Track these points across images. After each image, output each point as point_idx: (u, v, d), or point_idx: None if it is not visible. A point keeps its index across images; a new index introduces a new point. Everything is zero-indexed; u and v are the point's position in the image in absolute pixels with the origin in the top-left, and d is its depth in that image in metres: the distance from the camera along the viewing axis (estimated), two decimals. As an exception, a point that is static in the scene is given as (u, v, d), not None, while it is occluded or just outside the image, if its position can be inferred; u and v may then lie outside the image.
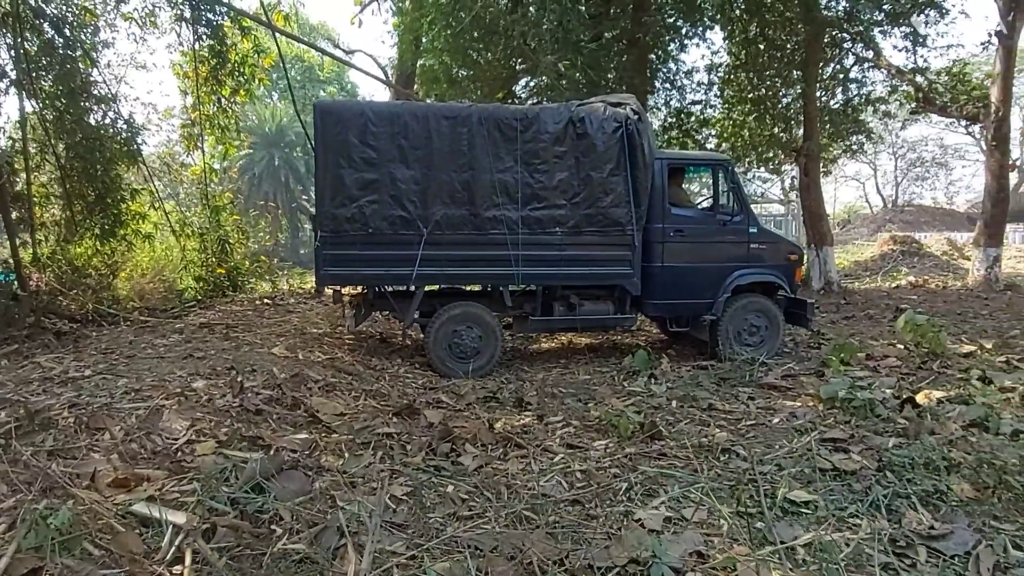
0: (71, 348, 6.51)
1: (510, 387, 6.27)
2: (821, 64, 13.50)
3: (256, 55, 12.51)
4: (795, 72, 13.57)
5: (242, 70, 12.41)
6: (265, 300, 10.15)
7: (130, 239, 12.26)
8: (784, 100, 14.08)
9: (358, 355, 6.80)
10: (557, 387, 6.26)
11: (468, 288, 7.45)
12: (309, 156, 39.03)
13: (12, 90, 10.56)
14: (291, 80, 34.59)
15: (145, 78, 37.29)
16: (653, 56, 12.64)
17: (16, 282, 9.56)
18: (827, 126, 14.08)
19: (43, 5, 11.11)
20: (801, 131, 13.78)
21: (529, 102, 13.10)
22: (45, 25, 11.33)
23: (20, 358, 5.88)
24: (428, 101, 12.04)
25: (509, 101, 12.56)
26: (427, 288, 6.83)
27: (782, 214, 28.47)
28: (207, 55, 12.17)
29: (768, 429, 4.77)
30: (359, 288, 7.11)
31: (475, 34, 10.93)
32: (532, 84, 13.03)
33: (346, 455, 4.19)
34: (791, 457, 4.09)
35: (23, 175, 10.76)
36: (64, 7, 11.32)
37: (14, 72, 10.38)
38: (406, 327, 7.06)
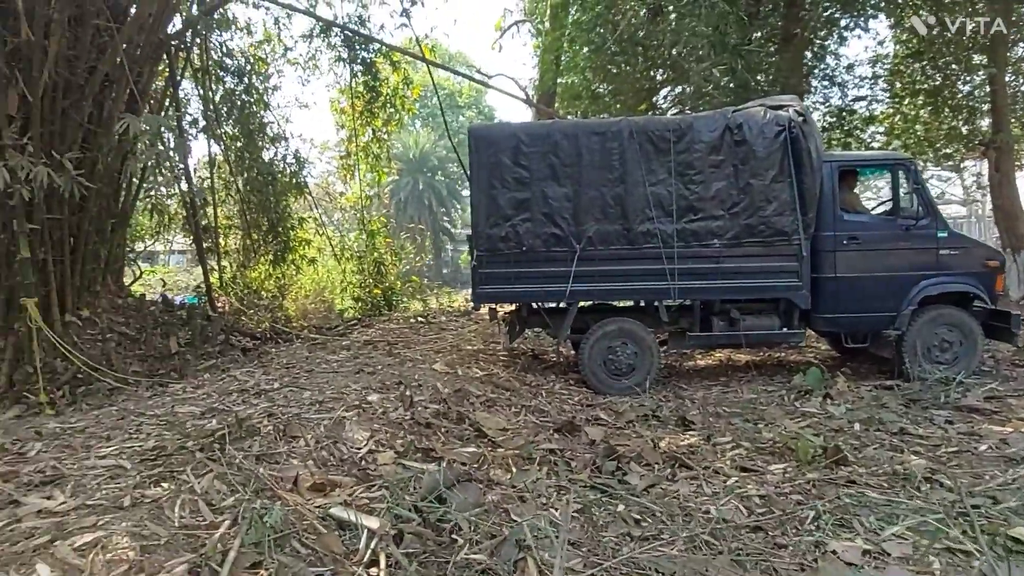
0: (256, 363, 7.13)
1: (670, 405, 6.11)
2: (1010, 44, 12.14)
3: (405, 87, 13.22)
4: (978, 57, 12.28)
5: (393, 102, 13.15)
6: (419, 319, 10.60)
7: (297, 263, 13.28)
8: (964, 89, 12.76)
9: (513, 371, 6.91)
10: (720, 406, 6.02)
11: (622, 304, 7.37)
12: (450, 180, 40.83)
13: (202, 135, 11.85)
14: (434, 107, 36.31)
15: (306, 116, 40.62)
16: (808, 53, 11.96)
17: (207, 304, 10.65)
18: (1020, 114, 12.62)
19: (226, 59, 12.38)
20: (987, 122, 12.45)
21: (670, 112, 12.88)
22: (227, 76, 12.61)
23: (218, 372, 6.51)
24: (570, 118, 12.16)
25: (651, 113, 12.41)
26: (580, 304, 6.84)
27: (963, 216, 25.87)
28: (362, 91, 13.02)
29: (974, 457, 4.30)
30: (513, 305, 7.24)
31: (615, 48, 10.91)
32: (675, 93, 12.78)
33: (513, 470, 4.25)
34: (1007, 489, 3.66)
35: (211, 209, 11.99)
36: (243, 59, 12.54)
37: (203, 119, 11.64)
38: (559, 344, 7.09)
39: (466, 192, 40.49)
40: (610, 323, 6.73)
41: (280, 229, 12.80)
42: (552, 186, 6.50)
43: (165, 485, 3.07)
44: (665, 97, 13.97)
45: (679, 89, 12.88)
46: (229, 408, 4.60)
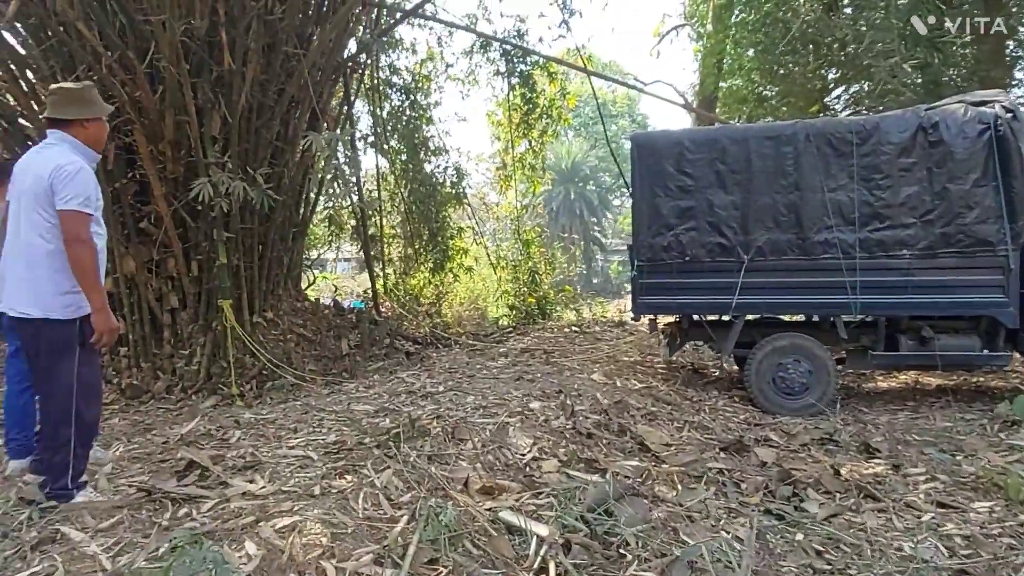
0: (420, 366, 7.43)
1: (849, 429, 5.62)
2: None
3: (561, 97, 13.33)
4: None
5: (549, 112, 13.30)
6: (573, 328, 10.59)
7: (455, 271, 13.78)
8: None
9: (673, 385, 6.69)
10: (909, 433, 5.45)
11: (793, 318, 6.92)
12: (602, 189, 40.76)
13: (370, 149, 12.66)
14: (586, 117, 36.48)
15: (463, 129, 42.39)
16: (1011, 43, 10.64)
17: (373, 309, 11.31)
18: None
19: (393, 77, 13.14)
20: None
21: (844, 113, 11.99)
22: (393, 94, 13.38)
23: (386, 373, 6.86)
24: (734, 123, 11.67)
25: (823, 114, 11.62)
26: (748, 318, 6.49)
27: None
28: (519, 103, 13.29)
29: None
30: (674, 317, 7.02)
31: (783, 48, 10.33)
32: (851, 93, 11.85)
33: (679, 487, 4.08)
34: None
35: (377, 219, 12.75)
36: (408, 77, 13.26)
37: (371, 135, 12.44)
38: (723, 358, 6.78)
39: (617, 202, 40.26)
40: (781, 338, 6.32)
41: (440, 238, 13.36)
42: (718, 194, 6.24)
43: (348, 478, 3.24)
44: (838, 97, 13.05)
45: (855, 88, 11.99)
46: (399, 408, 4.81)
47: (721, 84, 12.41)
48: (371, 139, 13.04)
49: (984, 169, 5.65)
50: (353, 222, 12.04)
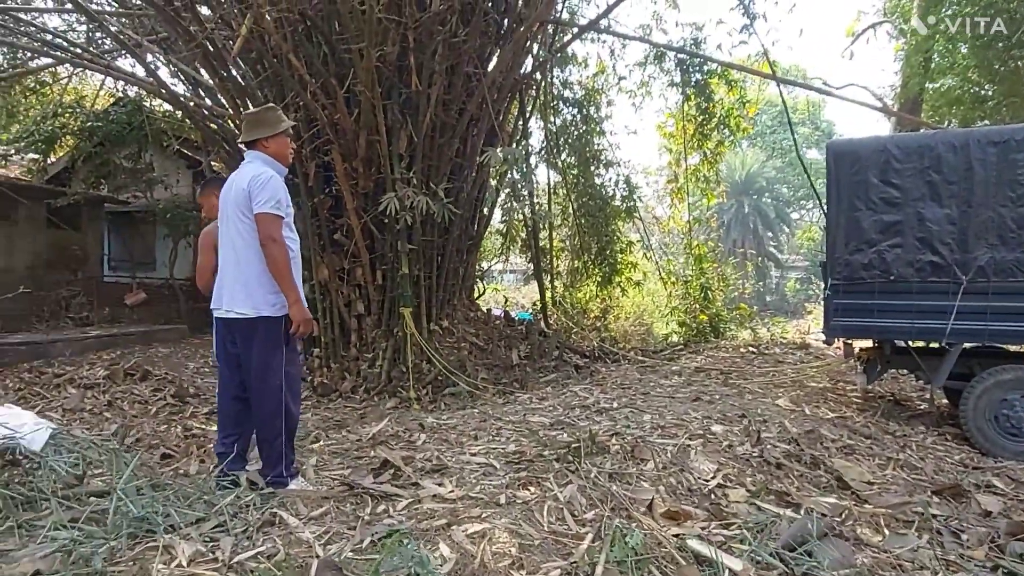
0: (590, 380, 7.36)
1: (1097, 481, 4.78)
2: None
3: (740, 106, 12.75)
4: None
5: (727, 122, 12.77)
6: (750, 348, 10.02)
7: (624, 286, 13.60)
8: None
9: (871, 416, 6.06)
10: None
11: (1021, 348, 6.02)
12: (779, 202, 38.49)
13: (543, 163, 12.86)
14: (763, 126, 34.70)
15: (631, 141, 41.89)
16: None
17: (542, 320, 11.43)
18: None
19: (565, 92, 13.27)
20: None
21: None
22: (565, 108, 13.51)
23: (558, 386, 6.86)
24: (947, 128, 10.48)
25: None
26: (965, 346, 5.73)
27: None
28: (694, 113, 12.89)
29: None
30: (872, 342, 6.37)
31: (1008, 42, 9.10)
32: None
33: (885, 531, 3.66)
34: None
35: (547, 232, 12.91)
36: (580, 91, 13.33)
37: (543, 149, 12.63)
38: (933, 390, 6.03)
39: (796, 215, 37.88)
40: (1006, 371, 5.51)
41: (608, 252, 13.25)
42: (931, 207, 5.58)
43: (532, 489, 3.23)
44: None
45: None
46: (575, 422, 4.76)
47: (928, 85, 11.18)
48: (543, 153, 13.27)
49: None
50: (524, 235, 12.27)
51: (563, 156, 13.22)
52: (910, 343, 5.99)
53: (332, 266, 8.71)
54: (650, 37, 12.96)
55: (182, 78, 10.52)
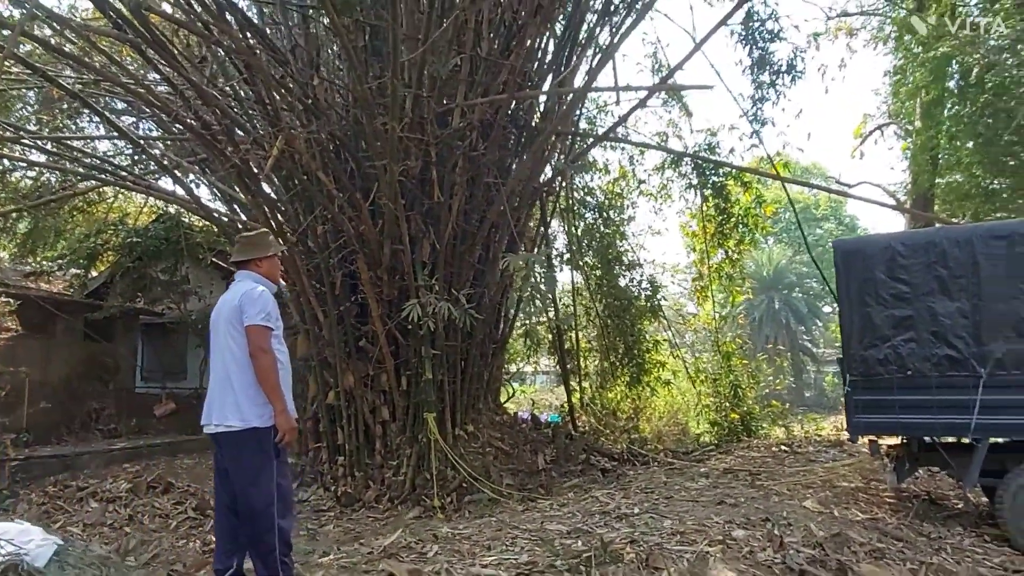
0: (616, 484, 7.24)
1: None
2: None
3: (757, 206, 13.02)
4: None
5: (745, 221, 13.01)
6: (782, 447, 9.77)
7: (652, 385, 13.50)
8: None
9: (904, 517, 5.84)
10: None
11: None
12: (809, 296, 38.22)
13: (566, 266, 13.16)
14: (788, 222, 34.99)
15: (659, 241, 42.56)
16: None
17: (570, 423, 11.35)
18: None
19: (587, 197, 13.75)
20: None
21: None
22: (587, 212, 13.94)
23: (581, 491, 6.77)
24: (957, 222, 10.57)
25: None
26: (994, 441, 5.57)
27: None
28: (713, 213, 13.19)
29: None
30: (901, 439, 6.23)
31: (1009, 138, 9.32)
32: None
33: (916, 643, 3.50)
34: None
35: (573, 334, 13.01)
36: (601, 195, 13.80)
37: (567, 252, 12.96)
38: (966, 488, 5.82)
39: (828, 309, 37.45)
40: (1042, 467, 5.34)
41: (635, 352, 13.26)
42: (942, 301, 5.61)
43: (539, 602, 3.20)
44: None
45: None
46: (592, 529, 4.70)
47: (938, 180, 11.37)
48: (567, 256, 13.59)
49: None
50: (550, 337, 12.39)
51: (587, 258, 13.51)
52: (937, 439, 5.84)
53: (357, 373, 8.87)
54: (667, 143, 13.52)
55: (218, 195, 11.19)
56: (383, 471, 8.66)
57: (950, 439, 5.91)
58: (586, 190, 13.77)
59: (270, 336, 3.70)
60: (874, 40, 13.54)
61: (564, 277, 13.62)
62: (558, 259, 13.52)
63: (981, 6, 9.43)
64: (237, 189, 9.96)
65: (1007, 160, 9.58)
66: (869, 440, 6.17)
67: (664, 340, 13.65)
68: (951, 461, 5.76)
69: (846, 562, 4.38)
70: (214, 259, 12.96)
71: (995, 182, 10.12)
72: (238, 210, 10.71)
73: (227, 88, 8.73)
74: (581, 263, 13.42)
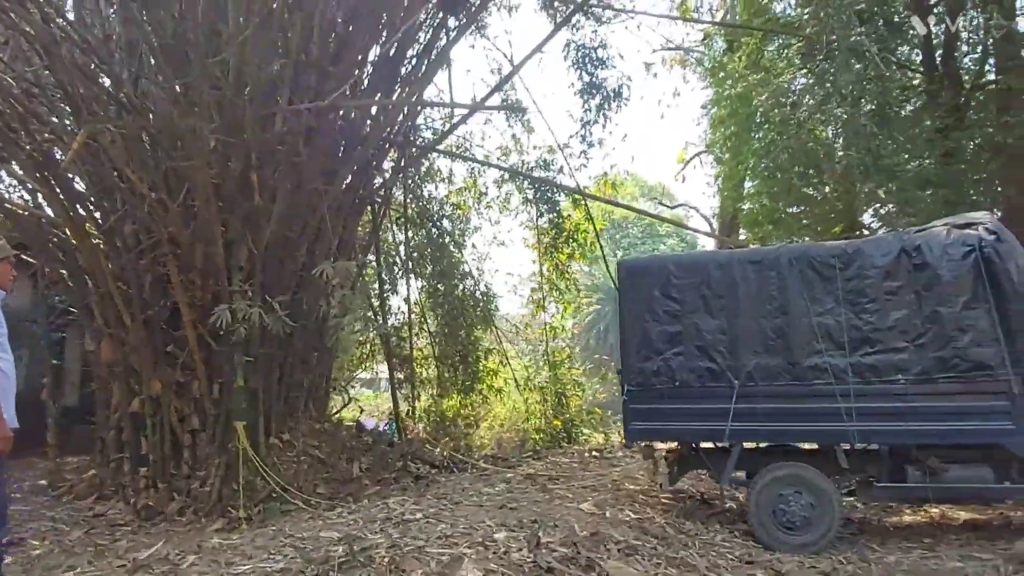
0: (416, 492, 7.37)
1: (847, 569, 5.23)
2: None
3: (587, 221, 13.75)
4: None
5: (575, 237, 13.69)
6: (594, 452, 10.35)
7: (484, 393, 13.83)
8: None
9: (671, 516, 6.40)
10: (915, 574, 5.03)
11: (801, 445, 6.60)
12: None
13: (401, 275, 13.23)
14: (634, 237, 37.04)
15: (505, 252, 43.50)
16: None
17: (396, 431, 11.38)
18: None
19: (427, 206, 13.89)
20: None
21: (880, 232, 11.83)
22: (428, 221, 14.08)
23: (377, 498, 6.84)
24: (755, 246, 11.71)
25: (859, 234, 11.49)
26: (750, 445, 6.26)
27: None
28: (546, 227, 13.77)
29: None
30: (673, 444, 6.83)
31: (797, 170, 10.49)
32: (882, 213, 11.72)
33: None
34: None
35: (407, 341, 13.07)
36: (439, 205, 14.00)
37: (402, 261, 13.04)
38: (723, 488, 6.49)
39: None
40: (780, 467, 6.03)
41: (469, 360, 13.53)
42: (705, 318, 6.24)
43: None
44: (875, 216, 12.91)
45: (885, 207, 11.90)
46: (366, 535, 4.78)
47: (741, 207, 12.59)
48: (407, 264, 13.62)
49: (974, 291, 5.50)
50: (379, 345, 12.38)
51: (424, 267, 13.64)
52: (697, 445, 6.46)
53: (165, 379, 8.44)
54: (508, 157, 13.96)
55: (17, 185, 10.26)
56: (189, 482, 8.28)
57: (713, 444, 6.53)
58: (427, 199, 13.92)
59: None
60: (700, 73, 14.77)
61: (401, 287, 13.67)
62: (396, 267, 13.58)
63: (775, 52, 10.54)
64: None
65: (796, 190, 10.76)
66: (644, 445, 6.72)
67: (496, 350, 14.01)
68: (711, 464, 6.41)
69: (596, 559, 4.75)
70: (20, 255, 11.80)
71: (783, 211, 11.33)
72: (44, 204, 9.87)
73: (27, 75, 8.05)
74: (417, 272, 13.53)
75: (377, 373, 14.09)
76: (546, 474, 8.11)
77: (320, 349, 10.06)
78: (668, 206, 17.71)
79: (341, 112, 9.25)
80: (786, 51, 10.07)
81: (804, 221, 11.22)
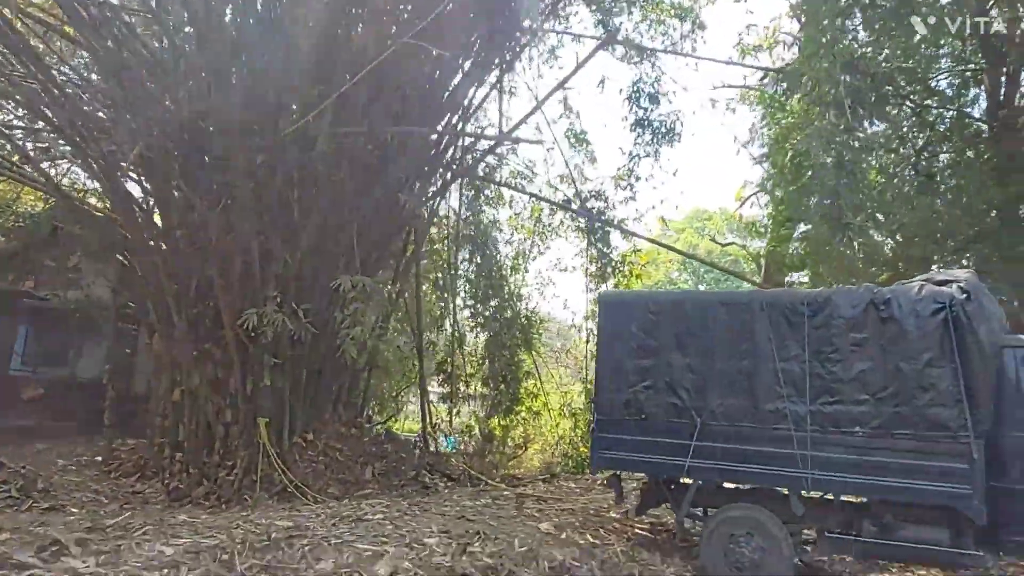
0: (410, 500, 7.77)
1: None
2: None
3: (634, 254, 13.91)
4: None
5: (622, 268, 13.87)
6: (603, 482, 10.42)
7: (524, 415, 14.15)
8: None
9: (630, 545, 6.51)
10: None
11: (758, 487, 6.55)
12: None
13: (449, 295, 13.81)
14: (696, 266, 36.06)
15: (563, 276, 42.88)
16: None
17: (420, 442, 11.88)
18: None
19: (479, 228, 14.44)
20: None
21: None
22: (476, 246, 14.60)
23: (360, 499, 7.31)
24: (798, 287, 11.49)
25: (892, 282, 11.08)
26: (707, 482, 6.31)
27: None
28: (595, 255, 14.02)
29: None
30: (643, 475, 6.95)
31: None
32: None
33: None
34: None
35: (451, 360, 13.62)
36: (493, 230, 14.53)
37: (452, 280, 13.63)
38: (679, 521, 6.55)
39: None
40: (734, 508, 6.06)
41: (511, 381, 13.89)
42: (676, 356, 6.37)
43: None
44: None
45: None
46: (310, 527, 5.24)
47: (787, 248, 12.34)
48: (453, 284, 14.20)
49: (940, 350, 5.37)
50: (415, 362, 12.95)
51: (468, 288, 14.18)
52: (659, 478, 6.56)
53: (204, 375, 9.30)
54: (572, 185, 14.32)
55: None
56: (218, 470, 9.06)
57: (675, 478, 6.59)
58: (478, 222, 14.45)
59: None
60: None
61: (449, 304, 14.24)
62: (447, 287, 14.16)
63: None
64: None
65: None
66: (612, 474, 6.87)
67: (536, 374, 14.31)
68: (672, 498, 6.50)
69: (518, 572, 5.00)
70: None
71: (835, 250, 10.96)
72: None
73: (97, 92, 9.23)
74: (467, 291, 14.08)
75: (456, 388, 14.56)
76: (538, 495, 8.34)
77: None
78: (720, 244, 17.44)
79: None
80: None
81: (859, 264, 10.83)
